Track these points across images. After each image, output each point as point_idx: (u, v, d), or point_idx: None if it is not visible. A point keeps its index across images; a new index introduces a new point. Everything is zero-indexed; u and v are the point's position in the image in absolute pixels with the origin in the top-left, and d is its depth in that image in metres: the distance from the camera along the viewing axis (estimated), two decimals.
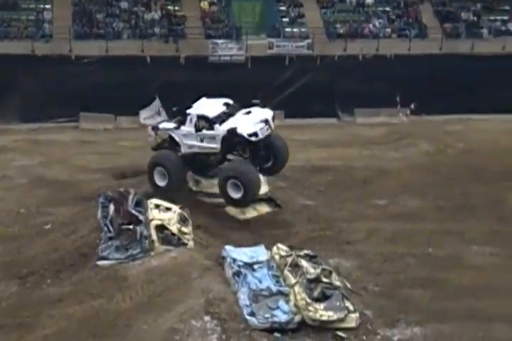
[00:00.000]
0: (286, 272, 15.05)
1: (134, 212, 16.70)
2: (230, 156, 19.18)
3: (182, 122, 19.11)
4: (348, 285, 15.27)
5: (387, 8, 34.08)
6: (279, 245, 16.03)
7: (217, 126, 18.54)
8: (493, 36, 32.85)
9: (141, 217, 16.53)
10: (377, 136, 27.86)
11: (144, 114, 20.26)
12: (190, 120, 18.85)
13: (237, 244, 16.31)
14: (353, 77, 30.41)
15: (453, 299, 15.33)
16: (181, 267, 15.22)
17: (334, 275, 15.10)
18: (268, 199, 19.64)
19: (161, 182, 19.03)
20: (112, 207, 16.81)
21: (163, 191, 18.92)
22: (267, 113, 19.06)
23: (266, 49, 30.98)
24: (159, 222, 16.42)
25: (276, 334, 13.71)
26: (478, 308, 14.86)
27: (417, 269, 16.73)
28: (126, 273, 15.24)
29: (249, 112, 19.00)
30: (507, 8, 34.43)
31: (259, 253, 15.75)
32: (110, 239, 16.11)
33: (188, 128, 18.90)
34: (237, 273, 14.94)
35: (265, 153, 19.05)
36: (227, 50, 30.81)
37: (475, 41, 32.11)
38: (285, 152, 19.35)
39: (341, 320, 14.02)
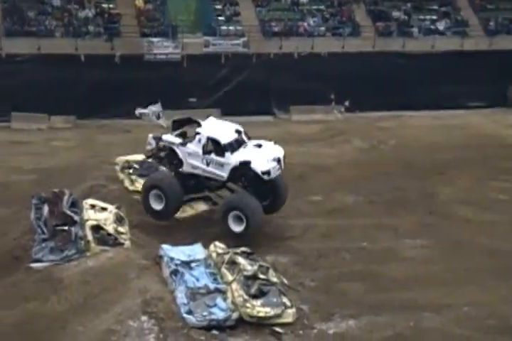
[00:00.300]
0: (223, 270, 15.16)
1: (68, 212, 16.51)
2: (230, 184, 18.40)
3: (182, 135, 18.39)
4: (285, 281, 15.46)
5: (322, 7, 34.42)
6: (216, 243, 16.13)
7: (228, 154, 17.63)
8: (423, 35, 33.57)
9: (76, 218, 16.36)
10: (313, 133, 28.18)
11: (139, 111, 19.76)
12: (199, 140, 17.80)
13: (175, 243, 16.29)
14: (289, 75, 30.64)
15: (386, 291, 15.72)
16: (118, 267, 15.13)
17: (271, 272, 15.28)
18: (205, 198, 19.69)
19: (157, 206, 18.07)
20: (46, 208, 16.56)
21: (159, 215, 18.18)
22: (279, 151, 18.31)
23: (202, 47, 30.91)
24: (95, 222, 16.31)
25: (214, 332, 13.79)
26: (410, 299, 15.30)
27: (352, 263, 17.06)
28: (62, 275, 15.05)
29: (260, 145, 18.22)
30: (436, 7, 35.25)
31: (196, 251, 15.82)
32: (44, 240, 15.86)
33: (195, 147, 17.88)
34: (175, 272, 14.96)
35: (266, 190, 18.08)
36: (162, 48, 30.63)
37: (406, 40, 32.76)
38: (285, 192, 18.52)
39: (278, 316, 14.20)
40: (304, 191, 21.48)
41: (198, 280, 14.80)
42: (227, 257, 15.43)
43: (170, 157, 18.46)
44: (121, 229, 16.43)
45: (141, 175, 20.05)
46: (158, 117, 19.29)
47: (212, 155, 17.77)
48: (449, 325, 14.29)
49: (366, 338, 13.92)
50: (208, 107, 29.92)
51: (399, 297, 15.39)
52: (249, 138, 18.36)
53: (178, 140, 18.29)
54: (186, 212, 19.12)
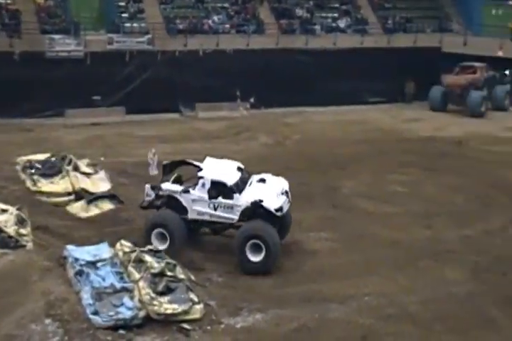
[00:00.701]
0: (130, 268, 15.00)
1: None
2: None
3: (178, 180, 17.57)
4: (192, 278, 15.47)
5: (226, 5, 34.73)
6: (123, 241, 15.94)
7: (237, 195, 16.76)
8: (325, 32, 34.39)
9: None
10: (219, 129, 28.38)
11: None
12: (203, 185, 16.86)
13: (80, 243, 16.06)
14: (194, 72, 30.76)
15: (292, 284, 15.94)
16: (20, 270, 14.74)
17: (178, 269, 15.23)
18: (110, 196, 19.51)
19: (161, 246, 16.86)
20: None
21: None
22: (284, 183, 17.55)
23: (105, 44, 30.60)
24: None
25: (121, 332, 13.67)
26: (315, 291, 15.57)
27: None
28: None
29: (263, 180, 17.46)
30: (337, 5, 36.15)
31: (102, 250, 15.61)
32: None
33: (199, 193, 16.93)
34: (79, 273, 14.69)
35: (274, 222, 17.10)
36: (64, 45, 30.11)
37: (309, 37, 33.46)
38: (290, 221, 17.90)
39: (186, 312, 14.20)
40: None
41: (104, 279, 14.59)
42: (133, 255, 15.28)
43: (172, 205, 17.34)
44: (22, 230, 16.04)
45: (43, 175, 19.67)
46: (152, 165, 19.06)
47: (220, 199, 16.84)
48: (352, 315, 14.65)
49: (273, 331, 14.08)
50: (112, 105, 29.66)
51: (305, 290, 15.67)
52: (249, 174, 17.71)
53: (180, 187, 17.36)
54: (91, 211, 18.91)
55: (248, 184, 17.23)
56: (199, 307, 14.39)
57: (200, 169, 17.32)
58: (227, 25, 33.47)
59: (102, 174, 20.86)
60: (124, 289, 14.43)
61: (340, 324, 14.34)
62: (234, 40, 32.60)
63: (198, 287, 15.27)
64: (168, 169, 18.07)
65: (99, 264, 15.08)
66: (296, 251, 17.62)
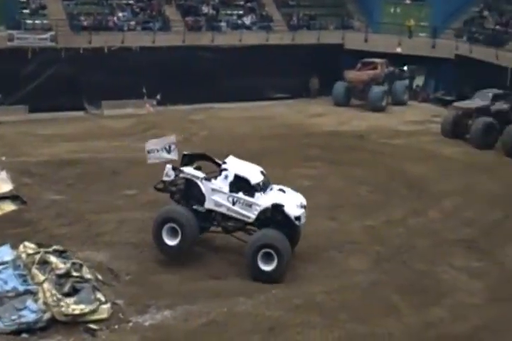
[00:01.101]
0: (34, 270, 14.67)
1: None
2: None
3: (198, 169, 17.25)
4: (99, 277, 15.33)
5: (131, 1, 34.40)
6: (26, 243, 15.56)
7: (258, 195, 16.55)
8: (231, 29, 34.59)
9: None
10: (125, 127, 28.11)
11: (150, 145, 17.62)
12: (226, 177, 16.65)
13: None
14: (99, 70, 30.34)
15: (201, 281, 16.00)
16: None
17: (85, 269, 15.04)
18: (13, 197, 19.05)
19: (172, 241, 16.60)
20: None
21: (174, 251, 16.71)
22: (303, 198, 17.19)
23: (6, 41, 29.74)
24: None
25: (24, 335, 13.37)
26: (223, 286, 15.73)
27: None
28: None
29: (283, 191, 17.17)
30: (242, 3, 36.41)
31: (3, 253, 15.18)
32: None
33: (220, 183, 16.70)
34: None
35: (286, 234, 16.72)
36: None
37: (215, 34, 33.56)
38: (298, 240, 17.39)
39: (93, 312, 14.07)
40: (118, 186, 21.46)
41: (6, 283, 14.22)
42: (37, 257, 14.96)
43: (188, 191, 17.05)
44: None
45: None
46: (168, 150, 17.51)
47: (240, 194, 16.58)
48: (259, 308, 14.84)
49: (181, 327, 14.11)
50: (14, 104, 28.92)
51: (213, 285, 15.78)
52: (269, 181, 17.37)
53: (201, 173, 17.07)
54: None
55: (270, 189, 16.99)
56: (106, 306, 14.23)
57: (223, 162, 17.11)
58: (133, 22, 33.16)
59: (2, 174, 20.37)
60: (28, 292, 14.10)
61: (248, 317, 14.50)
62: (139, 38, 32.34)
63: (105, 286, 15.13)
64: (186, 160, 17.62)
65: (0, 267, 14.69)
66: (204, 248, 17.67)
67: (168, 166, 17.22)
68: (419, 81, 36.65)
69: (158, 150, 17.38)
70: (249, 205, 16.52)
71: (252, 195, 16.54)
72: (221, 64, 32.36)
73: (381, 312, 14.87)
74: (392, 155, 25.76)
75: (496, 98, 28.39)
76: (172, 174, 17.19)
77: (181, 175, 17.09)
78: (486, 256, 17.77)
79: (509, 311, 15.12)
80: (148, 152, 17.42)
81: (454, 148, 27.24)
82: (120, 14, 33.20)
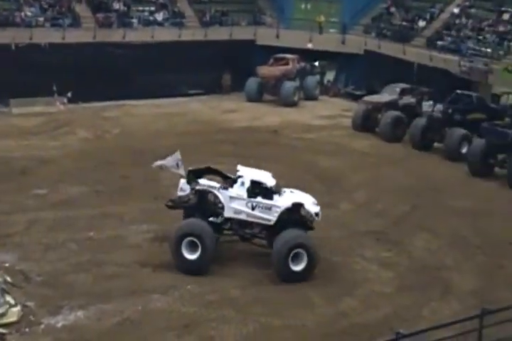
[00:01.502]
0: None
1: None
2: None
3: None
4: (8, 279, 14.97)
5: None
6: None
7: (276, 197, 16.80)
8: (143, 25, 34.28)
9: None
10: (35, 125, 27.46)
11: (159, 162, 17.79)
12: (242, 183, 16.83)
13: None
14: (7, 67, 29.51)
15: (115, 279, 15.83)
16: None
17: None
18: None
19: (191, 255, 16.37)
20: None
21: (195, 265, 16.41)
22: (312, 197, 17.63)
23: None
24: None
25: None
26: (138, 284, 15.57)
27: (80, 254, 16.92)
28: None
29: (292, 192, 17.57)
30: None
31: None
32: None
33: (238, 191, 16.83)
34: None
35: None
36: None
37: (126, 30, 33.19)
38: None
39: (2, 316, 13.71)
40: (27, 185, 21.00)
41: None
42: None
43: (202, 204, 17.09)
44: None
45: None
46: (178, 166, 17.49)
47: (259, 199, 16.74)
48: (174, 304, 14.84)
49: (95, 327, 13.94)
50: None
51: (127, 283, 15.63)
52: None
53: (217, 184, 17.22)
54: None
55: (282, 191, 17.22)
56: (16, 309, 13.93)
57: (222, 175, 17.53)
58: (41, 19, 32.40)
59: None
60: None
61: (163, 314, 14.49)
62: (49, 34, 31.64)
63: (15, 288, 14.79)
64: (193, 175, 17.53)
65: None
66: (118, 245, 17.53)
67: (182, 181, 17.34)
68: (330, 76, 37.34)
69: (166, 167, 17.74)
70: (269, 208, 16.76)
71: (270, 198, 16.80)
72: (134, 60, 32.06)
73: (295, 304, 15.10)
74: (304, 149, 26.19)
75: (403, 92, 29.29)
76: (187, 188, 17.19)
77: (197, 187, 17.12)
78: (395, 247, 18.27)
79: (418, 299, 15.59)
80: (160, 167, 17.84)
81: (364, 141, 27.92)
82: (28, 10, 32.36)
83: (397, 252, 18.01)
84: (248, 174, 17.22)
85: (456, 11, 34.69)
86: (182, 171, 17.45)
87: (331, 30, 37.08)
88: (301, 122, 30.40)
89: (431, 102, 26.92)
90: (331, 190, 22.07)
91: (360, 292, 15.86)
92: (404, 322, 14.31)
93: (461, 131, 25.77)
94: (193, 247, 16.36)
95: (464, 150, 25.35)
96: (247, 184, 16.92)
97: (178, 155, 17.66)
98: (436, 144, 26.95)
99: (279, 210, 16.75)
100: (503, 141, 23.43)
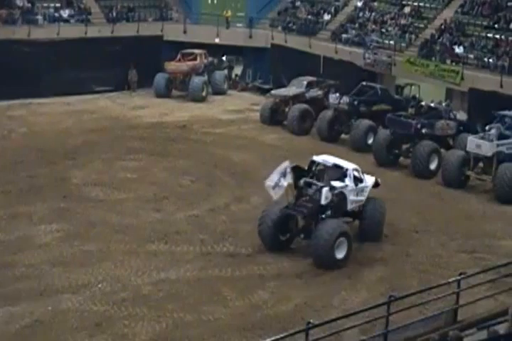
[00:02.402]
0: None
1: None
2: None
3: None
4: None
5: None
6: None
7: (364, 177, 18.47)
8: (48, 22, 33.55)
9: None
10: None
11: (270, 182, 17.06)
12: (350, 175, 17.94)
13: None
14: None
15: (23, 280, 15.57)
16: None
17: None
18: None
19: (340, 255, 17.02)
20: None
21: (341, 263, 17.07)
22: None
23: None
24: None
25: None
26: (47, 284, 15.38)
27: None
28: None
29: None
30: None
31: None
32: None
33: (350, 183, 17.94)
34: None
35: None
36: None
37: (31, 27, 32.41)
38: None
39: None
40: None
41: None
42: None
43: (336, 205, 17.60)
44: None
45: None
46: (284, 176, 17.22)
47: (360, 184, 18.22)
48: (85, 304, 14.72)
49: (3, 330, 13.70)
50: None
51: (36, 284, 15.41)
52: None
53: (343, 182, 17.88)
54: None
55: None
56: None
57: (337, 165, 18.24)
58: None
59: None
60: None
61: (74, 314, 14.37)
62: None
63: None
64: (297, 172, 17.91)
65: None
66: (26, 245, 17.25)
67: (326, 189, 17.23)
68: (237, 70, 37.52)
69: (278, 183, 17.20)
70: (362, 190, 18.34)
71: (362, 181, 18.37)
72: (39, 58, 31.33)
73: (208, 299, 15.21)
74: (214, 144, 26.30)
75: (310, 85, 29.74)
76: (329, 195, 17.32)
77: (336, 191, 17.51)
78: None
79: (329, 289, 15.94)
80: (273, 188, 17.23)
81: (273, 134, 28.24)
82: None
83: (304, 244, 18.16)
84: (348, 165, 18.41)
85: (359, 4, 35.41)
86: (289, 179, 17.26)
87: (238, 25, 37.23)
88: (210, 117, 30.47)
89: (337, 94, 27.40)
90: (241, 184, 22.27)
91: (272, 284, 16.04)
92: (315, 312, 14.70)
93: (366, 123, 26.39)
94: (342, 247, 17.02)
95: (370, 141, 25.92)
96: (352, 175, 18.09)
97: (287, 164, 17.42)
98: (343, 136, 27.55)
99: (367, 189, 18.45)
100: (407, 132, 24.12)
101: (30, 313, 14.26)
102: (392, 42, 31.76)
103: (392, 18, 33.52)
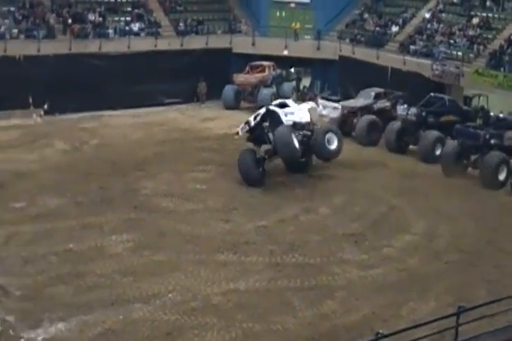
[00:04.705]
0: None
1: None
2: None
3: None
4: None
5: (12, 8, 33.47)
6: None
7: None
8: (119, 36, 34.32)
9: None
10: (12, 138, 27.27)
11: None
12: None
13: None
14: None
15: (95, 289, 15.78)
16: None
17: None
18: None
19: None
20: None
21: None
22: None
23: None
24: None
25: None
26: (119, 294, 15.58)
27: (60, 266, 16.87)
28: None
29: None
30: (129, 9, 36.20)
31: None
32: None
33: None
34: None
35: None
36: None
37: (102, 41, 33.18)
38: None
39: None
40: (5, 199, 20.84)
41: None
42: None
43: None
44: None
45: None
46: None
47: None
48: (156, 313, 14.82)
49: (76, 339, 13.87)
50: None
51: (108, 293, 15.61)
52: None
53: None
54: None
55: None
56: None
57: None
58: (15, 30, 32.32)
59: None
60: None
61: (145, 323, 14.46)
62: (23, 46, 31.54)
63: None
64: None
65: None
66: (98, 255, 17.47)
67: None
68: (305, 82, 37.61)
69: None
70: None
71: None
72: (110, 71, 32.03)
73: (277, 309, 15.15)
74: None
75: (378, 96, 29.57)
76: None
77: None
78: (372, 249, 18.45)
79: (397, 299, 15.76)
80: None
81: None
82: (1, 22, 32.28)
83: (375, 254, 18.17)
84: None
85: (427, 15, 35.15)
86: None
87: (306, 37, 37.37)
88: None
89: (405, 106, 27.19)
90: (310, 195, 22.29)
91: (341, 294, 15.96)
92: (383, 322, 14.52)
93: (435, 134, 26.14)
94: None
95: (438, 152, 25.69)
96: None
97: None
98: (411, 147, 27.30)
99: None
100: (476, 142, 23.85)
101: (102, 322, 14.43)
102: (460, 53, 31.43)
103: (460, 29, 33.15)
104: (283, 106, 23.76)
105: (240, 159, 22.72)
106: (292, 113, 23.30)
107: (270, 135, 22.64)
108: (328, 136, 23.50)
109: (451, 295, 15.81)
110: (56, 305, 15.04)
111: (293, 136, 22.11)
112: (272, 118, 22.82)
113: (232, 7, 39.22)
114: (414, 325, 10.88)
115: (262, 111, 22.96)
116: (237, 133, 23.22)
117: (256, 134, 22.94)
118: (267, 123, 22.82)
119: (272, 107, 23.34)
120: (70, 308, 14.90)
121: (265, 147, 23.23)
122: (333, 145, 23.60)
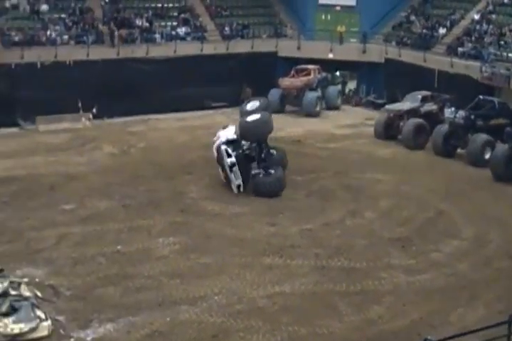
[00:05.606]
0: None
1: None
2: None
3: None
4: (39, 294, 15.19)
5: (63, 15, 34.13)
6: None
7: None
8: (166, 40, 34.70)
9: None
10: (62, 142, 27.88)
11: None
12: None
13: None
14: (33, 85, 30.06)
15: (143, 291, 15.99)
16: None
17: (23, 286, 14.86)
18: None
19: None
20: None
21: None
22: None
23: None
24: None
25: None
26: (166, 296, 15.74)
27: (108, 268, 17.15)
28: None
29: None
30: (175, 14, 36.57)
31: None
32: None
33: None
34: None
35: None
36: None
37: (149, 45, 33.60)
38: None
39: (33, 330, 13.83)
40: (56, 201, 21.36)
41: None
42: None
43: None
44: None
45: None
46: None
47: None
48: (202, 315, 14.96)
49: (124, 339, 14.06)
50: None
51: (155, 295, 15.80)
52: None
53: None
54: None
55: None
56: (47, 323, 14.04)
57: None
58: (66, 36, 32.95)
59: None
60: None
61: (192, 325, 14.59)
62: (73, 51, 32.13)
63: (46, 303, 15.01)
64: None
65: None
66: (145, 258, 17.71)
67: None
68: (351, 85, 37.49)
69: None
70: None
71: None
72: (157, 75, 32.45)
73: (322, 313, 15.14)
74: (329, 158, 26.26)
75: (425, 99, 29.26)
76: None
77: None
78: (420, 254, 18.28)
79: (445, 305, 15.58)
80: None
81: (387, 149, 27.93)
82: (52, 28, 32.94)
83: (423, 259, 17.99)
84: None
85: (476, 17, 34.61)
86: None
87: (352, 40, 37.21)
88: (324, 132, 30.49)
89: (453, 109, 26.83)
90: (356, 198, 22.19)
91: (387, 299, 15.84)
92: (431, 328, 14.35)
93: (484, 137, 25.70)
94: None
95: (488, 155, 25.25)
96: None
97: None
98: (459, 150, 26.93)
99: None
100: None
101: (149, 324, 14.60)
102: (511, 54, 30.79)
103: (510, 30, 32.50)
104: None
105: None
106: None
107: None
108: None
109: (501, 303, 15.56)
110: (105, 306, 15.30)
111: None
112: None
113: (278, 11, 39.29)
114: (463, 332, 10.70)
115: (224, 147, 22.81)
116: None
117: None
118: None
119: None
120: (118, 309, 15.15)
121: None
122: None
